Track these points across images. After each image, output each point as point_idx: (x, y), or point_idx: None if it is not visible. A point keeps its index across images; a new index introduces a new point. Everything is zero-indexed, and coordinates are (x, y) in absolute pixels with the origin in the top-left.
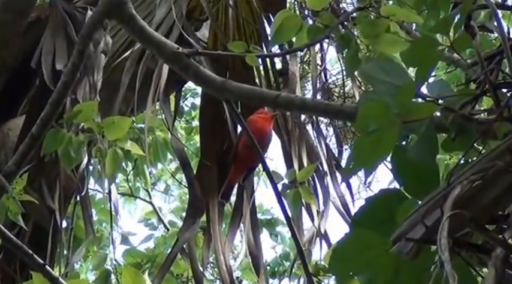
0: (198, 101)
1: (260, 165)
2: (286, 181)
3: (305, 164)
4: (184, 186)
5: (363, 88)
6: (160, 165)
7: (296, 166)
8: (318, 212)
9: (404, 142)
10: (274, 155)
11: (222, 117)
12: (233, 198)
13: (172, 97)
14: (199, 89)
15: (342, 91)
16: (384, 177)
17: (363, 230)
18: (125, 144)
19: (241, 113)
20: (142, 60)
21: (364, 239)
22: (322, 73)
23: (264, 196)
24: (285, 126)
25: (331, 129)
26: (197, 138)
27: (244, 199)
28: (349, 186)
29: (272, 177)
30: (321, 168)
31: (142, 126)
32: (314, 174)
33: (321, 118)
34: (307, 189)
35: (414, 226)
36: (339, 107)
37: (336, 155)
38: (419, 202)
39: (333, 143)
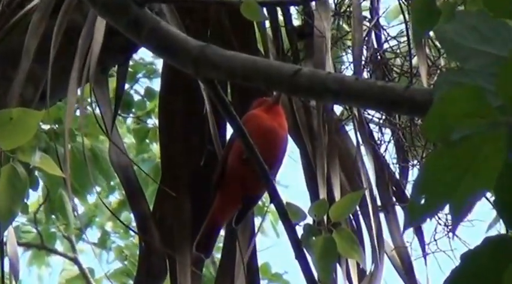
0: (156, 84)
1: (265, 194)
2: (310, 221)
3: (338, 195)
4: (134, 232)
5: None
6: (91, 195)
7: (325, 195)
8: (362, 273)
9: None
10: (290, 177)
11: (198, 111)
12: (218, 253)
13: (112, 77)
14: (159, 63)
15: (406, 65)
16: (478, 213)
17: None
18: (31, 157)
19: (233, 103)
20: (61, 10)
21: None
22: (373, 35)
23: (272, 249)
24: (308, 127)
25: (388, 131)
26: (155, 148)
27: (237, 254)
28: (417, 230)
29: (286, 213)
30: (369, 199)
31: (55, 127)
32: (358, 209)
33: (370, 112)
34: (346, 234)
35: None
36: (401, 93)
37: (398, 176)
38: None
39: (391, 155)
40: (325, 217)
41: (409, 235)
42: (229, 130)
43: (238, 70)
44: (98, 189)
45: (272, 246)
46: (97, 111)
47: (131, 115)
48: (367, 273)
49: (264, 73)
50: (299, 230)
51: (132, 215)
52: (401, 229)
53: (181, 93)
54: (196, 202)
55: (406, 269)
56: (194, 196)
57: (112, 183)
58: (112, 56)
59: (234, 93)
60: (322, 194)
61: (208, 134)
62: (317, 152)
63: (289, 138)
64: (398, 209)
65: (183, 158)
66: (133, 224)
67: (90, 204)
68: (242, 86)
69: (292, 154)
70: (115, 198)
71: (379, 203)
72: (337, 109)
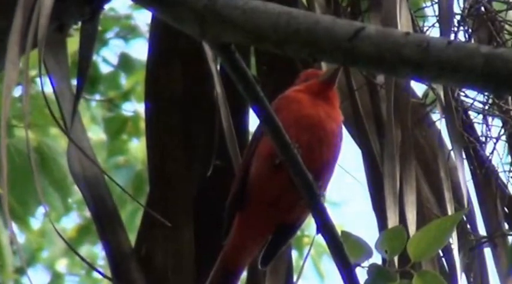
0: (136, 49)
1: (309, 219)
2: (378, 260)
3: (413, 218)
4: (105, 277)
5: None
6: (36, 218)
7: (398, 219)
8: None
9: None
10: (347, 192)
11: (205, 93)
12: None
13: (72, 39)
14: (140, 16)
15: None
16: None
17: None
18: None
19: (260, 80)
20: None
21: None
22: None
23: None
24: (374, 116)
25: (497, 123)
26: (136, 146)
27: None
28: None
29: (341, 248)
30: (467, 226)
31: None
32: (450, 242)
33: (470, 94)
34: (433, 279)
35: None
36: None
37: None
38: None
39: (501, 159)
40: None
41: None
42: (254, 122)
43: (268, 30)
44: (46, 207)
45: None
46: (49, 89)
47: (98, 96)
48: None
49: (308, 36)
50: (361, 274)
51: (98, 250)
52: None
53: (179, 65)
54: (201, 232)
55: None
56: (198, 223)
57: (69, 200)
58: (72, 7)
59: (261, 64)
60: (392, 215)
61: (220, 128)
62: (385, 153)
63: (345, 133)
64: None
65: (181, 164)
66: (101, 262)
67: (35, 231)
68: (274, 55)
69: (349, 156)
70: (72, 222)
71: (482, 232)
72: (419, 88)
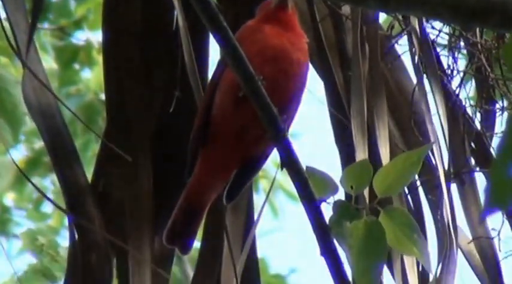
0: None
1: (274, 155)
2: (343, 196)
3: (386, 154)
4: (61, 209)
5: None
6: None
7: (366, 154)
8: (423, 276)
9: None
10: (309, 126)
11: (165, 23)
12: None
13: None
14: None
15: None
16: None
17: None
18: None
19: (223, 10)
20: None
21: None
22: None
23: (273, 236)
24: (339, 47)
25: (464, 56)
26: (88, 77)
27: (225, 252)
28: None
29: (306, 184)
30: (435, 162)
31: None
32: (416, 178)
33: (436, 25)
34: (400, 216)
35: None
36: None
37: (478, 126)
38: None
39: (468, 93)
40: (366, 191)
41: (496, 219)
42: (216, 53)
43: None
44: None
45: (272, 231)
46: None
47: (47, 25)
48: (431, 277)
49: None
50: (326, 211)
51: (48, 183)
52: (482, 211)
53: None
54: (162, 166)
55: (489, 270)
56: (159, 158)
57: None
58: None
59: None
60: (361, 153)
61: (182, 59)
62: (352, 87)
63: (310, 66)
64: (479, 178)
65: (141, 98)
66: (50, 195)
67: None
68: None
69: (312, 90)
70: (20, 154)
71: (449, 168)
72: (384, 20)
